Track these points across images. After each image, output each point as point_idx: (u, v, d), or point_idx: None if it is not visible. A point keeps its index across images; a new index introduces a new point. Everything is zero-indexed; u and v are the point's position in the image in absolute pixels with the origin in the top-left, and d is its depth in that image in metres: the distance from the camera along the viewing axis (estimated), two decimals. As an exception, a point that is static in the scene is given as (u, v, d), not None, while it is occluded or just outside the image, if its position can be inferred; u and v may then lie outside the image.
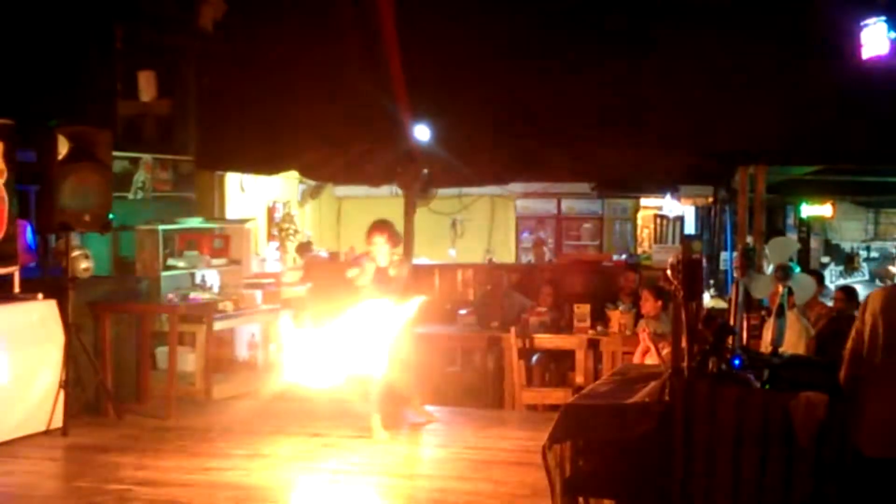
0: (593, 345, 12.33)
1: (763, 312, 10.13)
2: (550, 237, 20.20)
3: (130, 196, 12.20)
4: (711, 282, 16.47)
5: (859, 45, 11.45)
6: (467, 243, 19.08)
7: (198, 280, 12.61)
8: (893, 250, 19.96)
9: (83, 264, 10.57)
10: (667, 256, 12.65)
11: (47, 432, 9.90)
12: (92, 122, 10.78)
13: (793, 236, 18.88)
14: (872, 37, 11.37)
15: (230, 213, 14.74)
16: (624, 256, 15.73)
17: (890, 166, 14.44)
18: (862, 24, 11.44)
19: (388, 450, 9.63)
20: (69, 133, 10.19)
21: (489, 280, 14.22)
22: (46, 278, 10.69)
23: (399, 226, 10.38)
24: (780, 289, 7.38)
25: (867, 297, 6.22)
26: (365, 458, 9.32)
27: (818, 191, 18.47)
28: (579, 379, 12.12)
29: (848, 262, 19.51)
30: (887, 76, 11.40)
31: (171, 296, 11.66)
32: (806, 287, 7.62)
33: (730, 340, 6.69)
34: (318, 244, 18.02)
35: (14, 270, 10.20)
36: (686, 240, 7.17)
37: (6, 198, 10.00)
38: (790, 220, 20.15)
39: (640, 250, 19.10)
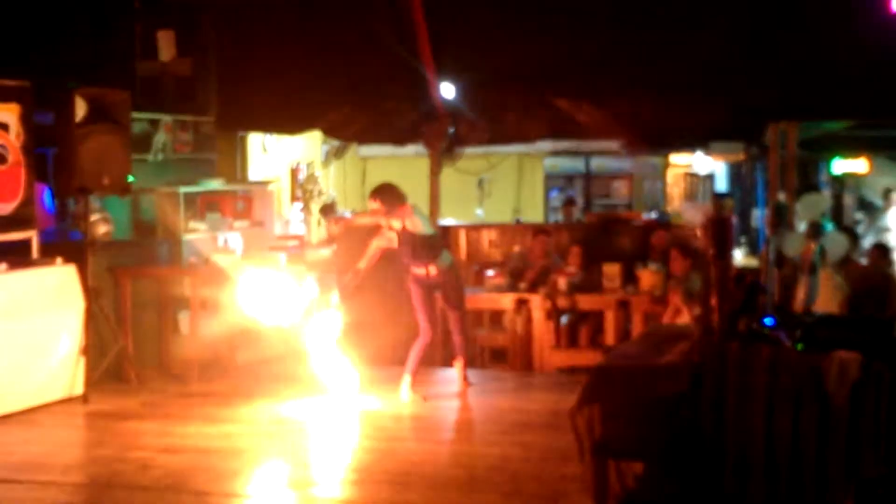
0: (623, 305, 12.18)
1: (796, 270, 9.94)
2: (579, 196, 20.03)
3: (150, 158, 12.07)
4: (743, 239, 16.30)
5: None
6: (495, 203, 18.89)
7: (220, 243, 12.48)
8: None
9: (103, 228, 10.49)
10: (697, 214, 12.49)
11: (68, 399, 9.82)
12: (110, 82, 10.62)
13: (826, 193, 18.62)
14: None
15: (252, 175, 14.60)
16: (654, 215, 15.54)
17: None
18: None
19: (416, 414, 9.53)
20: (87, 94, 10.06)
21: (516, 240, 14.08)
22: (65, 242, 10.62)
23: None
24: (813, 246, 7.21)
25: None
26: (392, 423, 9.23)
27: (851, 146, 18.21)
28: (609, 340, 11.98)
29: (886, 195, 19.17)
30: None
31: (193, 259, 11.52)
32: (838, 244, 7.46)
33: (761, 299, 6.51)
34: (343, 205, 17.87)
35: (32, 235, 10.10)
36: (717, 197, 6.98)
37: (24, 161, 9.89)
38: (823, 177, 19.90)
39: (670, 208, 18.89)
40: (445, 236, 13.34)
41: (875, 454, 5.87)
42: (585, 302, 12.34)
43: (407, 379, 9.98)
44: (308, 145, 17.38)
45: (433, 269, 9.90)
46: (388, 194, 9.89)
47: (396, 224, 9.84)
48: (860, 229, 17.95)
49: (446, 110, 12.94)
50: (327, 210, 16.78)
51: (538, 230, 13.71)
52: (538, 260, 13.09)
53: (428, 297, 10.03)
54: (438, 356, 11.65)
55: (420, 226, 9.79)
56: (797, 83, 11.87)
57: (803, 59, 11.62)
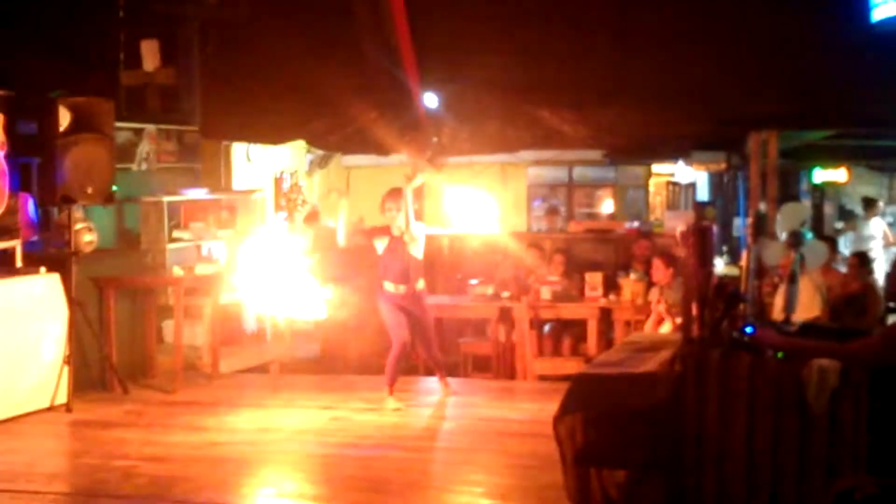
0: (605, 314, 12.23)
1: (776, 279, 10.00)
2: (562, 205, 20.04)
3: (134, 167, 12.08)
4: (725, 248, 16.34)
5: (868, 8, 11.33)
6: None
7: (204, 252, 12.51)
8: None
9: (87, 237, 10.47)
10: (679, 223, 12.55)
11: (52, 408, 9.82)
12: (94, 92, 10.61)
13: (807, 202, 18.70)
14: (881, -1, 11.26)
15: (237, 184, 14.61)
16: (636, 224, 15.57)
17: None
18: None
19: (399, 422, 9.54)
20: (71, 104, 10.07)
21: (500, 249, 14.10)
22: (49, 252, 10.59)
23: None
24: (793, 255, 7.25)
25: None
26: (375, 431, 9.23)
27: (832, 156, 18.30)
28: (591, 348, 12.03)
29: (868, 205, 19.25)
30: (896, 38, 11.27)
31: (176, 268, 11.53)
32: (818, 253, 7.50)
33: (742, 308, 6.56)
34: (327, 214, 17.88)
35: (16, 244, 10.09)
36: (698, 206, 7.04)
37: (7, 170, 9.89)
38: (804, 186, 19.98)
39: (652, 217, 18.93)
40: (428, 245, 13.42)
41: (854, 462, 5.92)
42: (568, 311, 12.38)
43: (387, 389, 9.99)
44: (292, 155, 17.38)
45: (405, 289, 9.94)
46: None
47: (396, 231, 9.92)
48: (843, 237, 18.06)
49: (430, 120, 12.96)
50: (310, 218, 16.80)
51: (530, 244, 13.69)
52: (526, 272, 13.12)
53: (396, 308, 10.02)
54: (421, 365, 11.68)
55: (418, 242, 9.88)
56: (778, 93, 11.95)
57: (784, 69, 11.69)
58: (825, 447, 5.95)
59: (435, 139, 13.34)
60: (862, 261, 12.30)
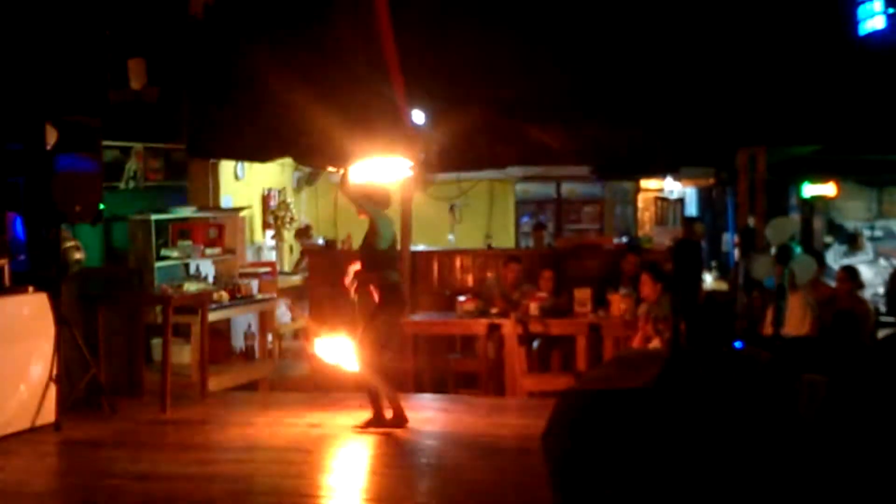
0: (594, 330, 12.22)
1: (765, 294, 10.01)
2: (551, 221, 20.06)
3: (122, 186, 12.07)
4: (714, 263, 16.37)
5: (855, 21, 11.37)
6: (466, 229, 18.92)
7: (192, 270, 12.52)
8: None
9: (75, 256, 10.45)
10: (667, 239, 12.56)
11: (39, 428, 9.75)
12: (81, 110, 10.63)
13: (796, 217, 18.73)
14: (868, 12, 11.28)
15: (224, 202, 14.61)
16: (625, 239, 15.59)
17: (892, 144, 14.31)
18: (857, 0, 11.37)
19: (387, 439, 9.50)
20: (58, 122, 10.04)
21: (488, 266, 14.12)
22: (37, 271, 10.55)
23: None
24: (782, 270, 7.27)
25: None
26: (364, 449, 9.21)
27: (820, 170, 18.32)
28: (580, 364, 12.02)
29: (852, 241, 19.32)
30: (884, 52, 11.30)
31: (164, 287, 11.51)
32: (806, 268, 7.53)
33: (731, 322, 6.56)
34: (315, 232, 17.88)
35: (4, 264, 10.04)
36: (687, 221, 7.04)
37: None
38: (793, 201, 20.01)
39: (641, 233, 18.95)
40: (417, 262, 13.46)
41: (844, 475, 5.91)
42: (557, 326, 12.39)
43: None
44: (280, 172, 17.41)
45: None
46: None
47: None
48: (831, 251, 18.09)
49: (417, 136, 12.95)
50: (302, 234, 16.83)
51: (510, 257, 13.73)
52: (510, 287, 13.14)
53: None
54: (410, 382, 11.67)
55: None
56: (766, 108, 11.97)
57: (772, 83, 11.72)
58: (817, 462, 5.95)
59: (422, 155, 13.33)
60: (851, 275, 12.30)
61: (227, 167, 15.01)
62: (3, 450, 9.19)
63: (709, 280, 14.42)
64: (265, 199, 17.07)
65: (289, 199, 17.49)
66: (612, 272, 13.39)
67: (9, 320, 9.71)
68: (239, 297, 12.37)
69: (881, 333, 11.50)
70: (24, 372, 9.77)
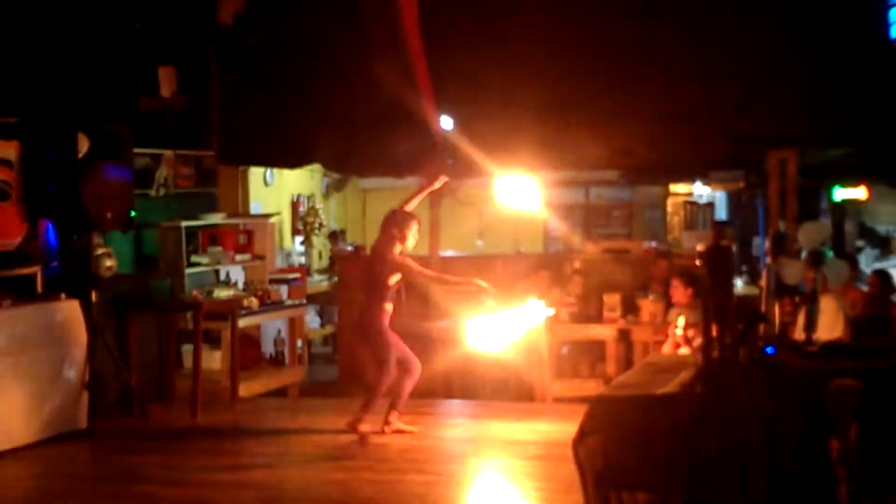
0: (624, 335, 12.20)
1: (797, 298, 9.96)
2: (579, 226, 20.04)
3: (152, 193, 12.09)
4: (744, 268, 16.30)
5: (887, 25, 11.32)
6: (495, 234, 18.90)
7: (222, 277, 12.53)
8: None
9: (106, 263, 10.49)
10: (697, 243, 12.51)
11: (72, 433, 9.82)
12: (112, 118, 10.71)
13: (827, 220, 18.65)
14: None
15: (254, 208, 14.66)
16: (654, 244, 15.55)
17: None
18: (889, 2, 11.32)
19: (417, 445, 9.51)
20: (90, 130, 10.10)
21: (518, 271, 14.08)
22: (69, 278, 10.61)
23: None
24: (813, 274, 7.23)
25: None
26: (394, 455, 9.21)
27: (852, 173, 18.25)
28: (610, 370, 11.99)
29: (883, 245, 19.25)
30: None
31: (195, 293, 11.55)
32: (838, 272, 7.47)
33: (762, 328, 6.54)
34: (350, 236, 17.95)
35: (36, 271, 10.14)
36: (717, 226, 7.02)
37: (26, 197, 9.95)
38: (824, 204, 19.94)
39: (670, 237, 18.92)
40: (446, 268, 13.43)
41: (881, 481, 5.90)
42: (586, 332, 12.36)
43: (394, 414, 9.88)
44: (309, 178, 17.47)
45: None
46: None
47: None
48: (863, 255, 17.98)
49: (446, 143, 12.95)
50: (335, 238, 16.87)
51: (539, 264, 13.66)
52: (539, 292, 13.11)
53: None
54: (440, 388, 11.66)
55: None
56: (796, 111, 11.91)
57: (802, 86, 11.67)
58: (851, 468, 5.94)
59: (451, 161, 13.33)
60: (883, 279, 12.25)
61: (256, 174, 15.06)
62: (36, 455, 9.26)
63: (739, 285, 14.37)
64: (294, 205, 17.13)
65: (318, 205, 17.53)
66: (641, 277, 13.35)
67: (42, 327, 9.78)
68: (269, 303, 12.38)
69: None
70: (57, 378, 9.83)
